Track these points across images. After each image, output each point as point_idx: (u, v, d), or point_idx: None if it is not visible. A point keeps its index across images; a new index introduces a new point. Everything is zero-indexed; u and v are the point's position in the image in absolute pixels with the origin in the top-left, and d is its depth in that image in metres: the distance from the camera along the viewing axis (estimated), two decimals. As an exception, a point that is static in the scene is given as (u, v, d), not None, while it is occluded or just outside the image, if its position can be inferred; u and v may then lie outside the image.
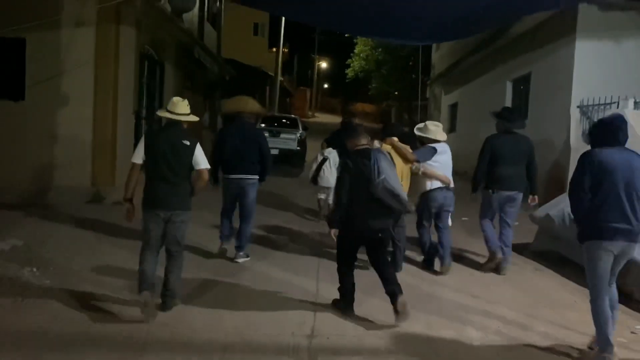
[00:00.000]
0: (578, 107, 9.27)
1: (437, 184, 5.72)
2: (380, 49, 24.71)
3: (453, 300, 5.26)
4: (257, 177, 6.04)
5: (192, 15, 14.13)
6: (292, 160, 15.67)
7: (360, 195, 4.33)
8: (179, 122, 4.44)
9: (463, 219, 8.37)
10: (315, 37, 52.02)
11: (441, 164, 5.81)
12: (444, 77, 18.81)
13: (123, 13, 9.24)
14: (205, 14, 15.81)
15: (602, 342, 3.83)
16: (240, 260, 5.97)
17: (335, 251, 4.78)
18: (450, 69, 17.29)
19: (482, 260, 6.52)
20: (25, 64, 8.88)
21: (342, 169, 4.56)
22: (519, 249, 7.06)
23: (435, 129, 6.00)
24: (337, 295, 4.70)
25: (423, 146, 5.87)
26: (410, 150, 5.64)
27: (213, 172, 5.74)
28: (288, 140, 17.12)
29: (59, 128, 8.96)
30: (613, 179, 3.76)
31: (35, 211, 7.86)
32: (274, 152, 12.81)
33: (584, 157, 3.90)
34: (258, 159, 6.00)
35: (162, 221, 4.31)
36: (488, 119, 7.02)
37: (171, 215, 4.31)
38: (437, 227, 5.97)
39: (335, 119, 37.93)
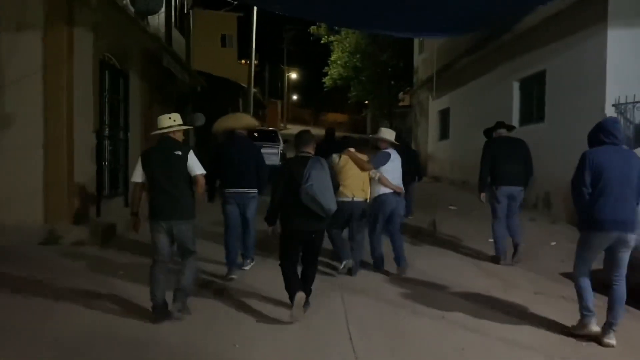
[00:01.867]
0: (614, 105, 8.06)
1: (388, 190, 6.12)
2: (358, 55, 23.48)
3: None
4: (256, 190, 6.19)
5: (158, 20, 12.58)
6: (274, 178, 14.11)
7: (293, 199, 4.65)
8: (168, 136, 4.69)
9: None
10: (284, 48, 51.18)
11: (392, 170, 6.20)
12: (431, 81, 17.61)
13: (76, 14, 7.70)
14: (173, 19, 14.26)
15: (584, 308, 4.39)
16: (247, 267, 6.32)
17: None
18: (440, 72, 16.10)
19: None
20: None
21: (278, 173, 4.98)
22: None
23: (385, 130, 6.44)
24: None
25: (378, 152, 6.24)
26: (367, 159, 6.12)
27: (208, 189, 5.92)
28: (270, 156, 15.62)
29: (1, 154, 7.32)
30: (610, 175, 4.22)
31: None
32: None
33: (585, 156, 4.36)
34: (256, 172, 6.16)
35: (166, 231, 4.54)
36: (489, 124, 7.32)
37: (174, 224, 4.53)
38: (390, 231, 6.33)
39: (310, 130, 37.21)
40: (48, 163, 7.49)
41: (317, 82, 53.90)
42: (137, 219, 4.76)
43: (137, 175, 4.68)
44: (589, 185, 4.26)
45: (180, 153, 4.57)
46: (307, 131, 5.26)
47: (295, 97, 61.09)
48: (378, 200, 6.19)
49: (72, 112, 7.65)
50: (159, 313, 4.53)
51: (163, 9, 12.75)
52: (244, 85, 24.99)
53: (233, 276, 5.97)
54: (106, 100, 9.39)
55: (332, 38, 24.33)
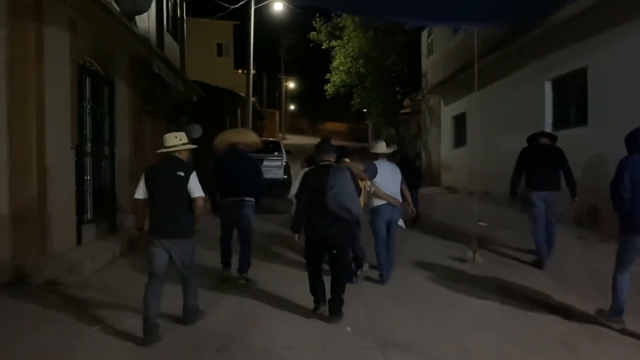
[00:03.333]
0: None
1: (384, 201, 6.17)
2: (361, 60, 22.29)
3: None
4: (252, 200, 6.35)
5: (148, 23, 11.40)
6: (278, 192, 12.90)
7: (317, 207, 4.77)
8: (173, 155, 4.70)
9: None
10: (282, 57, 50.08)
11: (390, 181, 6.28)
12: (443, 85, 16.43)
13: (47, 8, 6.48)
14: (165, 22, 13.07)
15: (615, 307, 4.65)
16: (243, 281, 6.27)
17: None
18: (454, 75, 14.90)
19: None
20: None
21: (301, 183, 5.11)
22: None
23: (376, 144, 6.54)
24: None
25: (369, 164, 6.31)
26: (362, 169, 6.25)
27: (212, 201, 6.37)
28: (273, 169, 14.52)
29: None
30: None
31: None
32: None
33: (624, 161, 4.60)
34: (253, 183, 6.34)
35: (164, 249, 4.57)
36: (516, 129, 7.81)
37: (173, 243, 4.58)
38: (386, 238, 6.34)
39: (307, 140, 36.45)
40: (14, 186, 6.24)
41: (315, 91, 53.17)
42: (143, 232, 4.76)
43: (140, 192, 4.68)
44: (629, 189, 4.47)
45: (182, 174, 4.59)
46: (327, 140, 5.40)
47: (292, 107, 60.10)
48: (374, 211, 6.29)
49: (44, 124, 6.44)
50: (149, 331, 4.43)
51: (153, 10, 11.59)
52: (242, 94, 23.84)
53: (227, 271, 6.40)
54: (88, 111, 8.16)
55: (333, 43, 23.17)
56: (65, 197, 7.10)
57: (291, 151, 17.68)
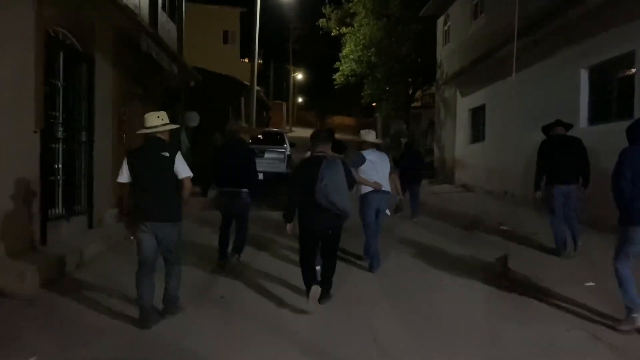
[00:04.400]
0: None
1: (370, 188, 6.23)
2: (372, 49, 21.09)
3: None
4: (247, 190, 6.43)
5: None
6: (280, 188, 11.85)
7: (308, 198, 4.76)
8: (155, 136, 4.51)
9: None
10: (290, 47, 48.84)
11: (376, 170, 6.31)
12: (460, 75, 15.25)
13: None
14: (160, 0, 11.97)
15: (629, 302, 4.42)
16: (234, 261, 6.37)
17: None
18: (474, 63, 13.73)
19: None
20: None
21: (293, 172, 5.56)
22: None
23: (366, 134, 6.61)
24: None
25: (357, 154, 6.33)
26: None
27: (205, 185, 7.44)
28: (274, 161, 13.46)
29: None
30: None
31: None
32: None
33: (625, 152, 4.53)
34: (247, 174, 6.47)
35: (151, 233, 4.42)
36: (543, 123, 7.25)
37: (159, 227, 4.42)
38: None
39: None
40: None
41: (324, 83, 52.14)
42: (129, 219, 4.62)
43: (124, 176, 4.50)
44: (630, 181, 4.41)
45: (167, 154, 4.46)
46: (323, 130, 5.67)
47: (300, 100, 58.96)
48: (362, 199, 6.35)
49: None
50: (145, 317, 4.42)
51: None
52: (247, 83, 22.73)
53: (222, 261, 6.42)
54: (59, 90, 7.10)
55: (344, 30, 21.98)
56: (25, 189, 6.05)
57: (296, 144, 16.61)
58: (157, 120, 4.52)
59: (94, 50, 8.05)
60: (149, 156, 4.47)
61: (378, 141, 6.70)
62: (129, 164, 4.47)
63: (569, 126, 7.04)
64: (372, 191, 6.25)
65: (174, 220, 4.51)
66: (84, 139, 7.82)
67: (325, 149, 5.02)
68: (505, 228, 8.91)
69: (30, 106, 6.14)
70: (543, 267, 6.35)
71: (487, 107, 13.91)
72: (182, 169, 4.49)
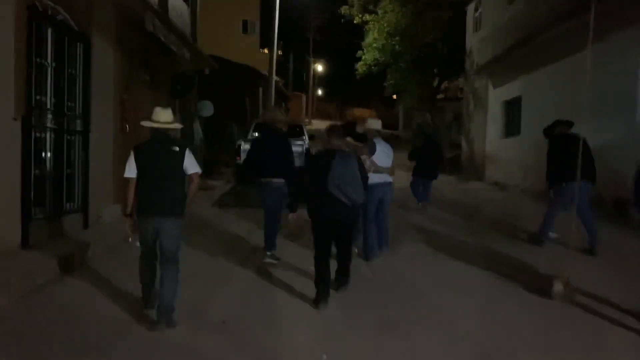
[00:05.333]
0: None
1: (376, 179, 6.12)
2: (397, 37, 19.98)
3: None
4: (281, 180, 6.17)
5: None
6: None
7: (321, 190, 4.77)
8: (165, 131, 4.47)
9: None
10: (310, 38, 47.82)
11: (380, 156, 6.40)
12: (495, 64, 14.12)
13: None
14: (171, -22, 11.10)
15: None
16: (267, 260, 6.19)
17: None
18: (510, 50, 12.60)
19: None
20: None
21: (306, 164, 5.71)
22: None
23: (371, 121, 6.90)
24: None
25: (370, 142, 6.43)
26: (361, 145, 6.17)
27: (243, 173, 7.40)
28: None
29: None
30: None
31: None
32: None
33: None
34: (285, 163, 6.21)
35: (154, 229, 4.30)
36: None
37: (161, 222, 4.29)
38: (378, 217, 6.46)
39: None
40: None
41: (344, 75, 51.36)
42: (132, 220, 4.42)
43: (132, 170, 4.34)
44: None
45: (177, 149, 4.39)
46: (338, 124, 5.77)
47: (320, 92, 58.05)
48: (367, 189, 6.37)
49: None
50: (145, 301, 4.47)
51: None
52: (265, 73, 21.85)
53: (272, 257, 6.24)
54: (48, 72, 6.26)
55: (367, 17, 20.87)
56: (4, 183, 5.23)
57: (315, 136, 15.69)
58: (170, 117, 4.48)
59: (92, 28, 7.20)
60: (159, 150, 4.38)
61: (378, 127, 6.85)
62: (136, 157, 4.34)
63: (570, 124, 7.18)
64: (377, 183, 6.23)
65: (177, 215, 4.36)
66: (78, 128, 6.98)
67: (340, 142, 5.05)
68: (555, 236, 7.88)
69: (9, 89, 5.31)
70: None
71: (524, 98, 12.78)
72: (192, 165, 4.43)
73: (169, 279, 4.29)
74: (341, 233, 5.06)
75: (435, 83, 22.74)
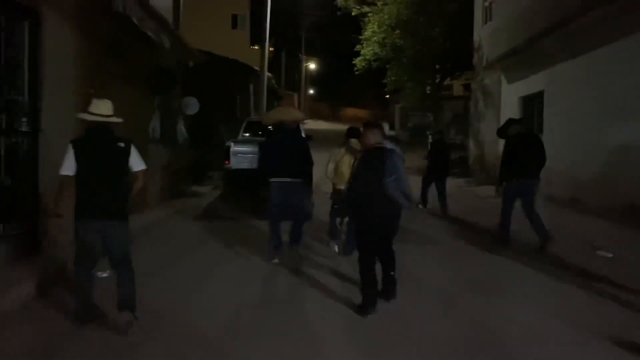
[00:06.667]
0: None
1: None
2: (397, 31, 18.63)
3: None
4: (300, 180, 6.17)
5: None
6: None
7: (373, 192, 4.54)
8: (107, 124, 4.15)
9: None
10: (302, 35, 46.44)
11: None
12: (512, 56, 12.79)
13: None
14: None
15: None
16: (295, 253, 6.32)
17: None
18: (533, 41, 11.26)
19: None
20: None
21: (359, 164, 4.82)
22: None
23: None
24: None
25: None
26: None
27: (260, 176, 6.32)
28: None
29: None
30: None
31: None
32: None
33: None
34: (302, 163, 6.20)
35: (97, 233, 4.02)
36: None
37: (109, 226, 4.03)
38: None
39: (327, 126, 33.90)
40: None
41: (337, 74, 50.23)
42: (61, 218, 4.10)
43: (69, 167, 3.97)
44: None
45: (123, 145, 4.11)
46: (374, 122, 5.23)
47: (312, 91, 56.89)
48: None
49: None
50: (82, 314, 4.09)
51: None
52: (256, 68, 20.43)
53: (275, 260, 6.13)
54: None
55: (365, 9, 19.50)
56: None
57: (313, 137, 14.28)
58: (109, 109, 4.15)
59: (41, 3, 5.76)
60: (101, 145, 4.07)
61: (391, 132, 6.76)
62: (76, 153, 3.97)
63: (521, 122, 7.67)
64: None
65: (123, 217, 4.12)
66: (23, 128, 5.54)
67: (381, 140, 4.75)
68: (607, 255, 6.55)
69: None
70: None
71: (547, 94, 11.46)
72: (138, 161, 4.19)
73: (126, 281, 4.07)
74: (389, 236, 4.86)
75: (437, 80, 21.44)
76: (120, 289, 4.05)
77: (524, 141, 7.03)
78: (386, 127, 6.77)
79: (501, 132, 7.52)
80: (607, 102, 9.05)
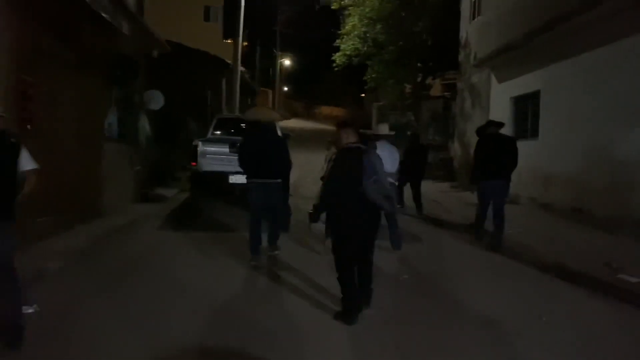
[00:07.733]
0: None
1: None
2: (379, 26, 17.70)
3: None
4: (280, 180, 6.13)
5: None
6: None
7: (351, 195, 4.30)
8: None
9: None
10: (277, 30, 45.24)
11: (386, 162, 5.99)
12: (505, 53, 11.96)
13: None
14: None
15: None
16: (273, 253, 6.35)
17: None
18: (530, 36, 10.41)
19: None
20: None
21: (331, 167, 4.50)
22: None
23: (379, 126, 8.14)
24: None
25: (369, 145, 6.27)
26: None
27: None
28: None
29: None
30: None
31: None
32: (239, 180, 7.86)
33: None
34: (281, 164, 6.17)
35: None
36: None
37: None
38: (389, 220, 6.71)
39: (302, 124, 33.16)
40: None
41: (313, 71, 49.30)
42: None
43: None
44: None
45: (14, 141, 3.78)
46: (348, 120, 5.91)
47: (286, 88, 55.88)
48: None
49: None
50: None
51: None
52: (229, 62, 19.27)
53: (254, 262, 6.03)
54: None
55: (346, 2, 18.50)
56: None
57: (291, 135, 13.25)
58: None
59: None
60: None
61: (391, 133, 7.25)
62: None
63: (500, 125, 7.52)
64: None
65: (11, 219, 3.67)
66: None
67: (356, 140, 4.52)
68: (630, 279, 5.69)
69: None
70: None
71: (544, 94, 10.64)
72: (28, 161, 3.81)
73: (8, 290, 3.65)
74: (368, 241, 4.61)
75: (419, 79, 20.59)
76: (6, 305, 3.65)
77: (497, 143, 7.18)
78: (386, 127, 7.00)
79: (479, 131, 7.61)
80: (616, 104, 8.25)
